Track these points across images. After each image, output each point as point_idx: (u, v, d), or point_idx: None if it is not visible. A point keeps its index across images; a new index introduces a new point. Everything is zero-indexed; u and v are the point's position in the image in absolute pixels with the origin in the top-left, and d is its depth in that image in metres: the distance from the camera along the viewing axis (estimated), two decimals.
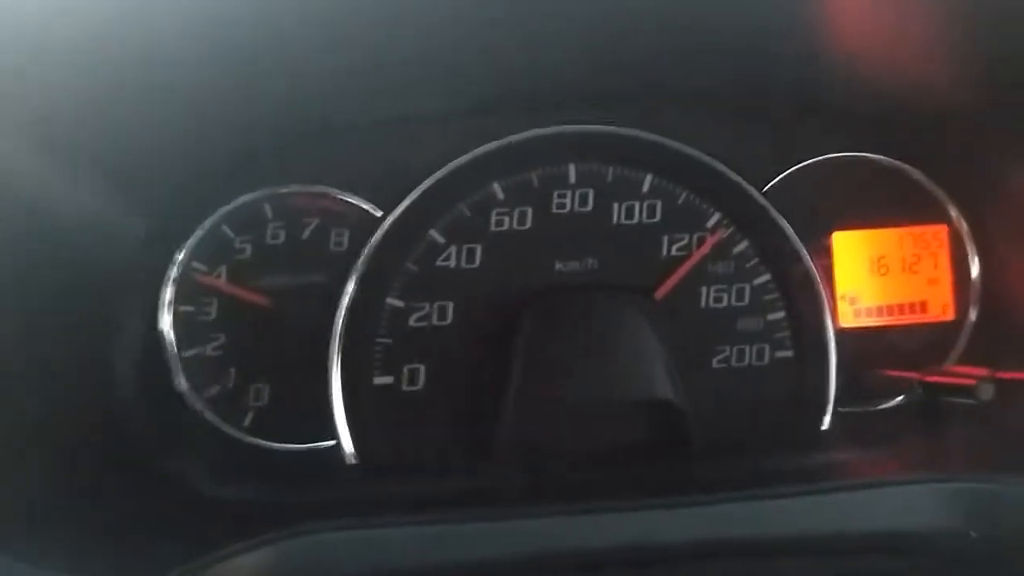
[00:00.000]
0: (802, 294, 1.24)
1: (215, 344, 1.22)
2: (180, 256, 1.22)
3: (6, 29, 0.74)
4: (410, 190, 1.22)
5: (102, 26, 0.79)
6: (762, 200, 1.25)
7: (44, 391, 1.00)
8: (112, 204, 1.09)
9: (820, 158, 1.28)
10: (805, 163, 1.28)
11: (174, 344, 1.21)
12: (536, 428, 1.18)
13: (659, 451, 1.21)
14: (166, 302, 1.21)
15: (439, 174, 1.23)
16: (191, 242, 1.22)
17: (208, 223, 1.23)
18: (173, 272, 1.21)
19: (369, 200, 1.24)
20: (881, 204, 1.28)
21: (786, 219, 1.24)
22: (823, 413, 1.23)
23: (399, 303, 1.23)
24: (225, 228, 1.23)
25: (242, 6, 0.83)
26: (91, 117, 0.93)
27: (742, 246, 1.27)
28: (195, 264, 1.23)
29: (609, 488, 1.07)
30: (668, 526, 0.95)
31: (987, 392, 1.03)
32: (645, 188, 1.26)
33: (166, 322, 1.21)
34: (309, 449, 1.21)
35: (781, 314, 1.25)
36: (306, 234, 1.24)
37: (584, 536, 0.94)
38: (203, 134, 1.11)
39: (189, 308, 1.22)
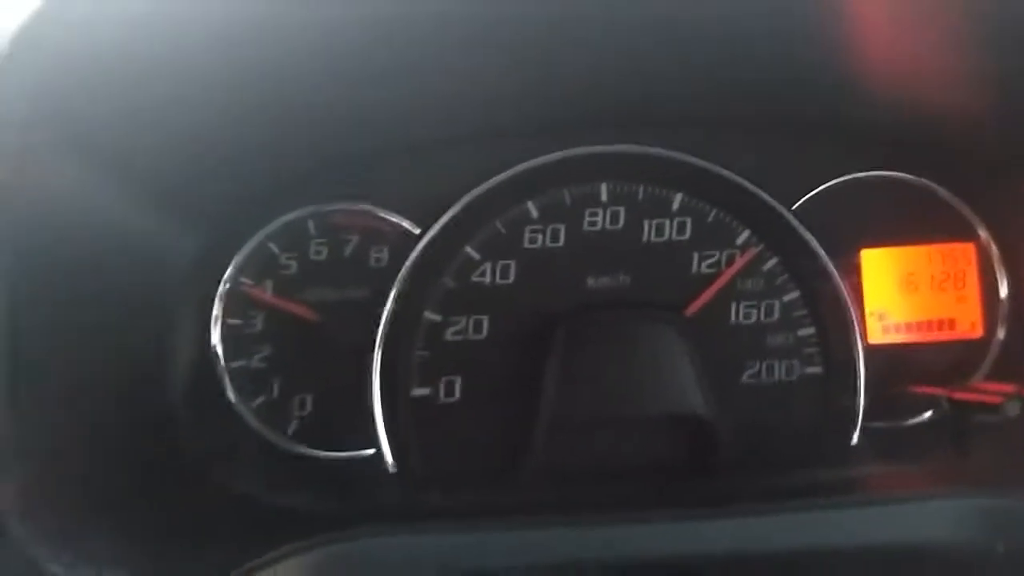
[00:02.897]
0: (831, 311, 1.25)
1: (260, 356, 1.26)
2: (229, 272, 1.26)
3: (62, 55, 0.78)
4: (447, 208, 1.26)
5: (155, 50, 0.82)
6: (791, 218, 1.26)
7: (100, 404, 1.04)
8: (165, 224, 1.14)
9: (849, 176, 1.29)
10: (834, 181, 1.29)
11: (224, 357, 1.26)
12: (568, 441, 1.20)
13: (689, 466, 1.22)
14: (216, 317, 1.26)
15: (475, 192, 1.25)
16: (239, 259, 1.26)
17: (255, 240, 1.27)
18: (222, 288, 1.26)
19: (408, 218, 1.27)
20: (910, 222, 1.29)
21: (815, 237, 1.25)
22: (852, 429, 1.23)
23: (436, 317, 1.26)
24: (271, 245, 1.28)
25: (287, 31, 0.86)
26: (145, 140, 0.97)
27: (771, 263, 1.28)
28: (242, 279, 1.27)
29: (640, 501, 1.09)
30: (697, 538, 0.96)
31: (1014, 409, 1.03)
32: (675, 206, 1.29)
33: (216, 336, 1.26)
34: (351, 457, 1.24)
35: (810, 330, 1.27)
36: (348, 251, 1.28)
37: (615, 547, 0.96)
38: (251, 155, 1.15)
39: (236, 321, 1.26)
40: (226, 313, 1.26)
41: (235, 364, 1.26)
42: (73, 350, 0.99)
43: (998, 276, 1.29)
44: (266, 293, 1.27)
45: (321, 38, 0.89)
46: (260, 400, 1.26)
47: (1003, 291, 1.29)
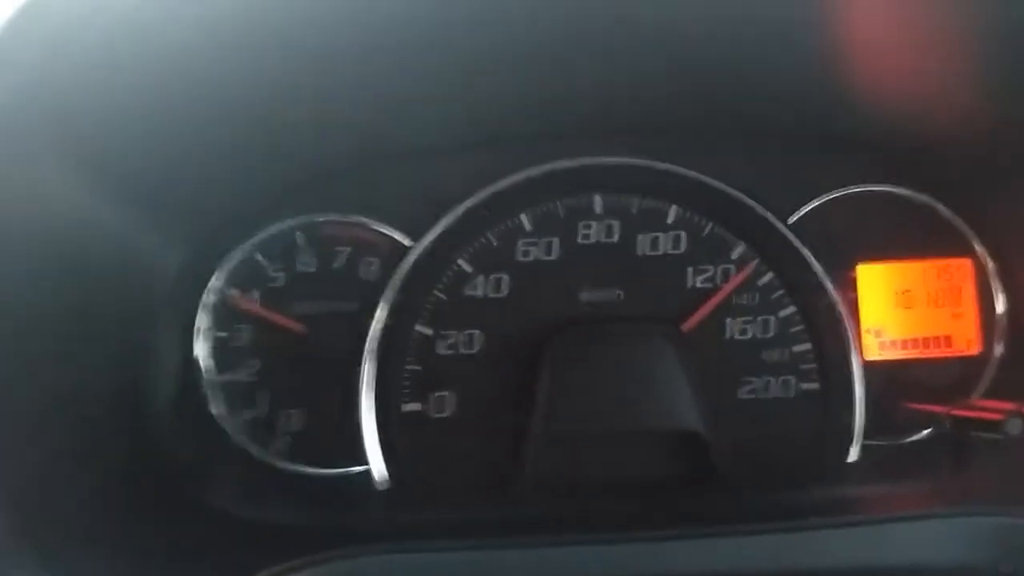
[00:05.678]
0: (827, 326, 1.24)
1: (248, 370, 1.24)
2: (214, 283, 1.24)
3: (49, 56, 0.75)
4: (439, 219, 1.24)
5: (140, 57, 0.81)
6: (787, 232, 1.25)
7: (81, 418, 1.02)
8: (149, 232, 1.11)
9: (845, 191, 1.28)
10: (830, 196, 1.28)
11: (210, 370, 1.23)
12: (562, 457, 1.18)
13: (685, 482, 1.21)
14: (201, 329, 1.23)
15: (467, 204, 1.24)
16: (225, 269, 1.24)
17: (242, 251, 1.25)
18: (208, 299, 1.24)
19: (399, 229, 1.26)
20: (906, 237, 1.28)
21: (811, 251, 1.25)
22: (849, 446, 1.22)
23: (428, 331, 1.24)
24: (259, 256, 1.26)
25: (274, 38, 0.85)
26: (129, 147, 0.95)
27: (767, 278, 1.27)
28: (229, 291, 1.25)
29: (635, 518, 1.07)
30: (693, 557, 0.95)
31: (1016, 427, 1.02)
32: (670, 219, 1.28)
33: (201, 348, 1.23)
34: (340, 474, 1.22)
35: (807, 346, 1.25)
36: (337, 262, 1.26)
37: (609, 566, 0.94)
38: (237, 164, 1.13)
39: (223, 334, 1.24)
40: (212, 325, 1.24)
41: (222, 378, 1.24)
42: (52, 362, 0.96)
43: (995, 292, 1.28)
44: (253, 305, 1.25)
45: (312, 45, 0.88)
46: (248, 415, 1.24)
47: (1000, 307, 1.28)
